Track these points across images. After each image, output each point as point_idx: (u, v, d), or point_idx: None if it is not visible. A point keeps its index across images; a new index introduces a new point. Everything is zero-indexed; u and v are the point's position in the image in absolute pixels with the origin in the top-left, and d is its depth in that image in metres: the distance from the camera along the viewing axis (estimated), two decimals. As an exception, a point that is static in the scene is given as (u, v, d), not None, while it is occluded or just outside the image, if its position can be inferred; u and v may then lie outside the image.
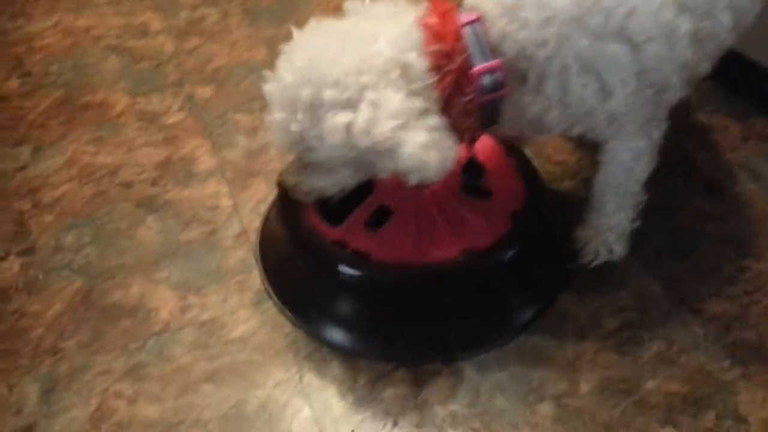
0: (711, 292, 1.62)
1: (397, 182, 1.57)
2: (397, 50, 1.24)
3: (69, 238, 1.79)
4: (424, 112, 1.23)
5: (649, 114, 1.44)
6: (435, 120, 1.24)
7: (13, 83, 2.29)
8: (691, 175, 1.89)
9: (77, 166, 1.99)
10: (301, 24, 1.32)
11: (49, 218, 1.85)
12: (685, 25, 1.30)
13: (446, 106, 1.28)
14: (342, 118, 1.21)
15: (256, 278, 1.68)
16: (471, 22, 1.27)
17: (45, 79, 2.30)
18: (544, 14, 1.25)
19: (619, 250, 1.67)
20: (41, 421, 1.43)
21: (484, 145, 1.68)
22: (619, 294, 1.63)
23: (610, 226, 1.64)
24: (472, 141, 1.45)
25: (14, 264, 1.74)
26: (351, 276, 1.50)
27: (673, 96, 1.43)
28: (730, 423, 1.40)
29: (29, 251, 1.77)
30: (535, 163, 1.75)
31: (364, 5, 1.35)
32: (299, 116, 1.26)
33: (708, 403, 1.43)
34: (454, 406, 1.43)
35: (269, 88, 1.31)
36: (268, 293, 1.63)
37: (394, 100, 1.20)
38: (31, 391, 1.48)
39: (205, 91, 2.22)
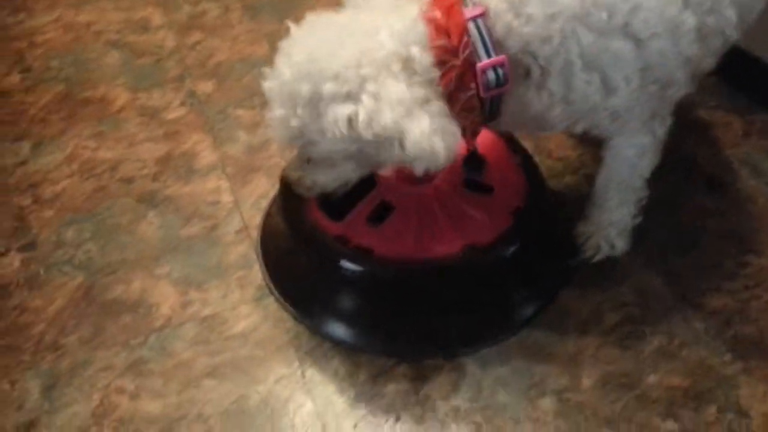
0: (712, 287, 1.62)
1: (400, 177, 1.59)
2: (399, 44, 1.24)
3: (70, 234, 1.79)
4: (426, 101, 1.22)
5: (652, 110, 1.44)
6: (438, 106, 1.23)
7: (14, 78, 2.29)
8: (693, 171, 1.89)
9: (78, 162, 1.99)
10: (302, 18, 1.32)
11: (49, 213, 1.84)
12: (689, 20, 1.29)
13: (449, 101, 1.27)
14: (344, 110, 1.21)
15: (257, 274, 1.67)
16: (476, 17, 1.26)
17: (46, 74, 2.30)
18: (549, 10, 1.25)
19: (621, 245, 1.67)
20: (43, 416, 1.43)
21: (486, 140, 1.67)
22: (621, 289, 1.63)
23: (611, 222, 1.64)
24: (473, 135, 1.44)
25: (15, 259, 1.74)
26: (353, 271, 1.50)
27: (678, 92, 1.43)
28: (731, 417, 1.40)
29: (30, 246, 1.76)
30: (537, 158, 1.75)
31: None
32: (299, 111, 1.25)
33: (709, 397, 1.43)
34: (456, 401, 1.43)
35: (268, 84, 1.31)
36: (270, 289, 1.63)
37: (396, 89, 1.20)
38: (32, 386, 1.48)
39: (206, 87, 2.22)
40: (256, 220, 1.80)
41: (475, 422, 1.40)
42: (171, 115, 2.13)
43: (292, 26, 1.33)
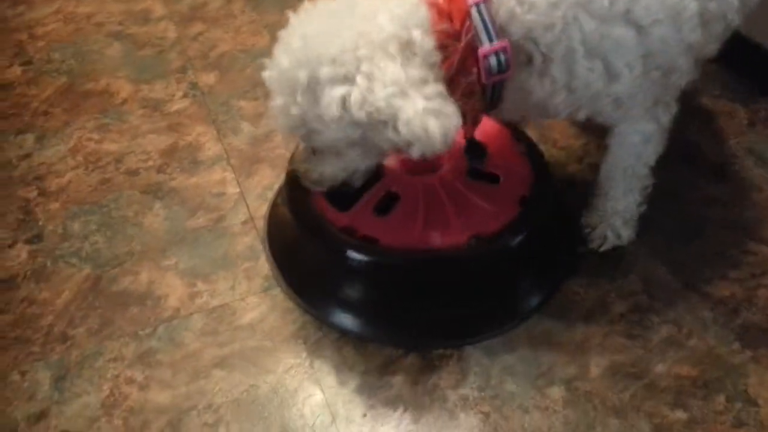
0: (718, 276, 1.63)
1: (405, 167, 1.59)
2: (400, 27, 1.23)
3: (76, 226, 1.79)
4: (423, 82, 1.21)
5: (656, 97, 1.44)
6: (434, 88, 1.22)
7: (16, 71, 2.28)
8: (698, 160, 1.90)
9: (82, 154, 1.99)
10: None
11: (55, 206, 1.84)
12: (691, 6, 1.30)
13: (450, 86, 1.27)
14: (337, 91, 1.21)
15: (264, 264, 1.68)
16: (478, 2, 1.26)
17: (47, 67, 2.30)
18: None
19: (627, 234, 1.67)
20: (53, 407, 1.43)
21: (490, 129, 1.68)
22: (627, 278, 1.63)
23: (617, 211, 1.64)
24: (474, 122, 1.43)
25: (22, 252, 1.73)
26: (359, 261, 1.50)
27: (681, 78, 1.43)
28: (740, 405, 1.40)
29: (36, 239, 1.76)
30: (542, 148, 1.75)
31: None
32: (298, 98, 1.25)
33: (718, 386, 1.43)
34: (464, 390, 1.44)
35: (267, 74, 1.31)
36: (276, 279, 1.63)
37: (390, 70, 1.19)
38: (43, 377, 1.48)
39: (208, 78, 2.22)
40: (262, 210, 1.80)
41: (483, 411, 1.40)
42: (174, 107, 2.13)
43: (292, 15, 1.32)
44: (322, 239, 1.55)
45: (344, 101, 1.21)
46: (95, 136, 2.04)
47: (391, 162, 1.58)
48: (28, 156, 1.99)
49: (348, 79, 1.21)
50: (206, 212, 1.81)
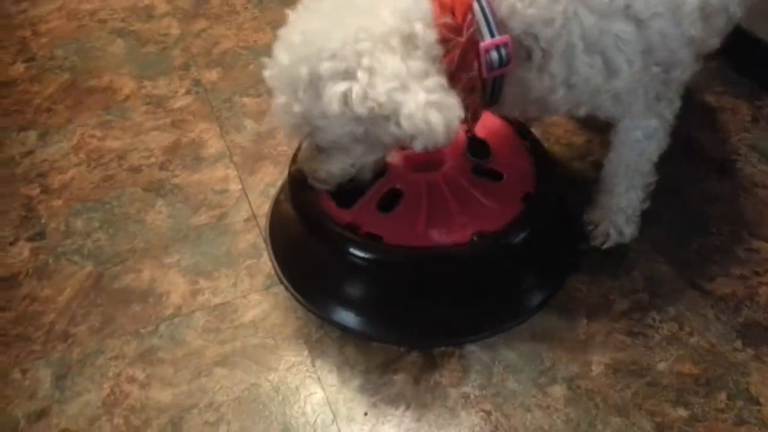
0: (721, 274, 1.62)
1: (409, 163, 1.59)
2: (402, 20, 1.23)
3: (78, 223, 1.79)
4: (425, 74, 1.20)
5: (658, 93, 1.44)
6: (436, 80, 1.21)
7: (19, 67, 2.29)
8: (701, 156, 1.89)
9: (85, 151, 1.99)
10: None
11: (57, 203, 1.84)
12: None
13: (451, 81, 1.26)
14: (338, 88, 1.20)
15: (266, 262, 1.68)
16: None
17: (50, 63, 2.30)
18: None
19: (630, 231, 1.67)
20: (54, 405, 1.43)
21: (494, 125, 1.67)
22: (630, 275, 1.63)
23: (620, 208, 1.64)
24: (474, 118, 1.43)
25: (24, 249, 1.74)
26: (362, 259, 1.50)
27: (683, 73, 1.43)
28: (741, 404, 1.40)
29: (39, 236, 1.77)
30: (545, 145, 1.75)
31: None
32: (300, 95, 1.25)
33: (719, 384, 1.43)
34: (466, 388, 1.44)
35: (268, 73, 1.30)
36: (279, 277, 1.63)
37: (391, 63, 1.18)
38: (43, 375, 1.48)
39: (211, 75, 2.22)
40: (265, 208, 1.80)
41: (485, 410, 1.40)
42: (177, 104, 2.13)
43: (290, 12, 1.32)
44: (324, 236, 1.54)
45: (346, 97, 1.20)
46: (98, 133, 2.04)
47: (394, 158, 1.58)
48: (30, 153, 1.99)
49: (349, 74, 1.20)
50: (209, 209, 1.81)
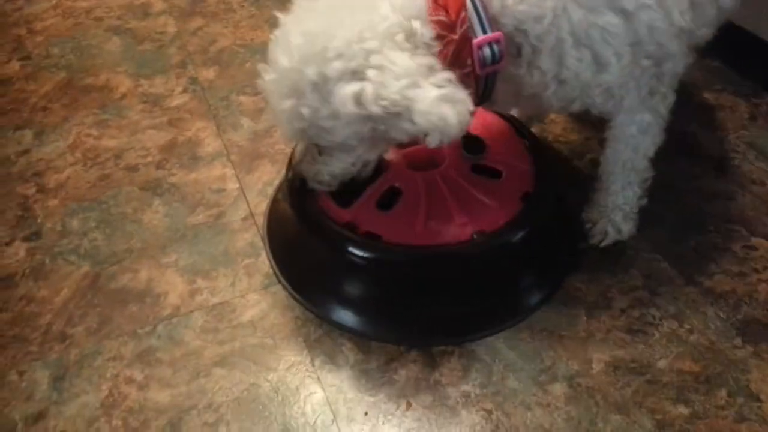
0: (720, 271, 1.62)
1: (408, 161, 1.58)
2: (402, 17, 1.23)
3: (75, 223, 1.78)
4: (431, 69, 1.21)
5: (650, 87, 1.44)
6: (444, 75, 1.22)
7: (14, 66, 2.28)
8: (699, 154, 1.89)
9: (81, 150, 1.98)
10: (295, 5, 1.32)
11: (54, 202, 1.84)
12: None
13: None
14: (350, 88, 1.19)
15: (264, 261, 1.67)
16: None
17: (46, 62, 2.29)
18: None
19: (627, 229, 1.66)
20: (52, 407, 1.42)
21: (493, 124, 1.67)
22: (628, 273, 1.62)
23: (617, 205, 1.63)
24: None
25: (20, 249, 1.73)
26: (362, 258, 1.49)
27: (675, 66, 1.42)
28: (742, 400, 1.39)
29: (35, 236, 1.76)
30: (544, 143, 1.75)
31: None
32: (308, 98, 1.24)
33: (720, 381, 1.43)
34: (466, 387, 1.43)
35: (269, 77, 1.29)
36: (277, 276, 1.63)
37: (400, 60, 1.18)
38: (41, 377, 1.47)
39: (208, 73, 2.21)
40: (262, 207, 1.79)
41: (485, 409, 1.40)
42: (174, 102, 2.12)
43: (281, 15, 1.31)
44: (323, 236, 1.54)
45: (358, 96, 1.19)
46: (94, 131, 2.04)
47: (393, 157, 1.58)
48: (26, 152, 1.99)
49: (357, 73, 1.20)
50: (206, 208, 1.81)
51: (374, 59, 1.19)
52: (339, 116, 1.23)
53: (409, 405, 1.40)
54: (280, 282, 1.61)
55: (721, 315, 1.54)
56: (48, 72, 2.25)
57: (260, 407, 1.41)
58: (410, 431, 1.37)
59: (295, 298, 1.58)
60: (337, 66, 1.20)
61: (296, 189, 1.56)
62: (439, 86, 1.19)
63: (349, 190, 1.50)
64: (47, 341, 1.53)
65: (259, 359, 1.49)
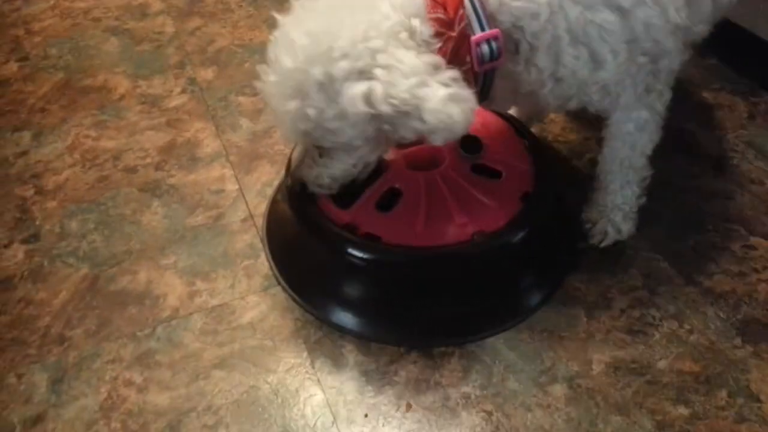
0: (719, 271, 1.62)
1: (407, 162, 1.58)
2: (402, 15, 1.23)
3: (73, 225, 1.78)
4: (436, 68, 1.21)
5: (646, 84, 1.44)
6: (450, 73, 1.22)
7: (12, 67, 2.27)
8: (698, 153, 1.89)
9: (79, 151, 1.98)
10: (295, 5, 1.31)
11: (52, 204, 1.83)
12: None
13: None
14: (359, 88, 1.19)
15: (264, 263, 1.66)
16: None
17: (44, 62, 2.29)
18: None
19: (627, 229, 1.66)
20: (50, 410, 1.42)
21: (492, 124, 1.67)
22: (628, 273, 1.62)
23: (616, 205, 1.63)
24: None
25: (18, 251, 1.72)
26: (360, 259, 1.49)
27: (671, 63, 1.42)
28: (742, 401, 1.39)
29: (33, 238, 1.75)
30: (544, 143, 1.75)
31: None
32: (314, 99, 1.23)
33: (720, 382, 1.42)
34: (466, 388, 1.43)
35: (270, 79, 1.28)
36: (276, 278, 1.62)
37: (407, 59, 1.19)
38: (39, 380, 1.47)
39: (206, 74, 2.21)
40: (262, 208, 1.79)
41: (486, 410, 1.39)
42: (172, 103, 2.12)
43: (279, 16, 1.30)
44: (323, 237, 1.53)
45: (368, 96, 1.19)
46: (93, 133, 2.03)
47: (392, 157, 1.57)
48: (24, 153, 1.98)
49: (364, 73, 1.20)
50: (205, 210, 1.80)
51: (381, 58, 1.19)
52: (346, 116, 1.23)
53: (409, 406, 1.40)
54: (279, 284, 1.61)
55: (721, 315, 1.53)
56: (46, 73, 2.24)
57: (260, 409, 1.41)
58: (410, 433, 1.37)
59: (294, 300, 1.58)
60: (343, 66, 1.20)
61: (296, 194, 1.55)
62: (446, 85, 1.20)
63: (348, 191, 1.49)
64: (46, 344, 1.53)
65: (259, 361, 1.48)
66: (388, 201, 1.53)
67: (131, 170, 1.91)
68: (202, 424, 1.38)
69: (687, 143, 1.90)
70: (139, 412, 1.41)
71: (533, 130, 1.78)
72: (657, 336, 1.50)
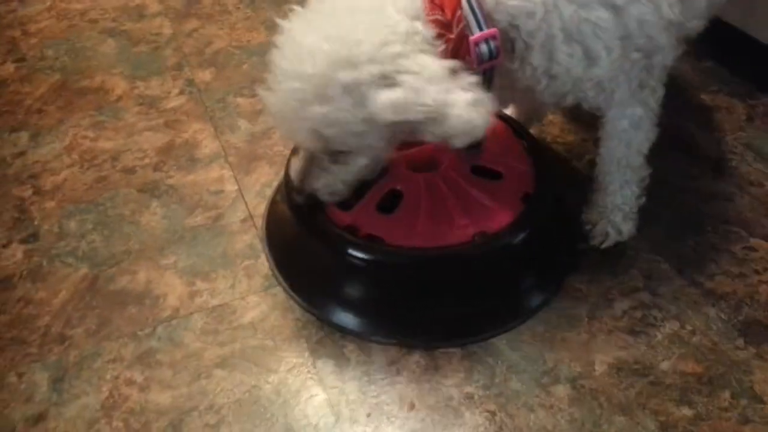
0: (720, 272, 1.62)
1: (408, 164, 1.57)
2: (407, 18, 1.23)
3: (72, 225, 1.77)
4: (455, 72, 1.22)
5: (640, 80, 1.44)
6: (468, 78, 1.23)
7: (9, 68, 2.27)
8: (697, 155, 1.89)
9: (77, 152, 1.97)
10: (300, 4, 1.31)
11: (50, 204, 1.82)
12: None
13: None
14: (386, 95, 1.19)
15: (264, 263, 1.66)
16: None
17: (41, 63, 2.28)
18: None
19: (627, 229, 1.66)
20: (52, 409, 1.41)
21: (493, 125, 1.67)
22: (629, 274, 1.62)
23: (616, 205, 1.64)
24: None
25: (17, 251, 1.71)
26: (363, 260, 1.48)
27: (664, 59, 1.43)
28: (745, 402, 1.39)
29: (32, 238, 1.74)
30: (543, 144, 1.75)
31: None
32: (340, 104, 1.23)
33: (723, 383, 1.42)
34: (469, 389, 1.42)
35: (288, 86, 1.26)
36: (276, 278, 1.62)
37: (430, 64, 1.20)
38: (40, 379, 1.46)
39: (204, 75, 2.20)
40: (261, 208, 1.78)
41: (488, 410, 1.39)
42: (170, 104, 2.11)
43: (281, 21, 1.30)
44: (321, 237, 1.53)
45: (396, 103, 1.19)
46: (90, 133, 2.02)
47: (393, 158, 1.57)
48: (22, 154, 1.97)
49: (388, 78, 1.20)
50: (204, 210, 1.80)
51: (404, 63, 1.19)
52: (374, 120, 1.23)
53: (411, 406, 1.40)
54: (279, 284, 1.60)
55: (723, 316, 1.53)
56: (43, 74, 2.24)
57: (262, 409, 1.40)
58: (413, 432, 1.37)
59: (295, 300, 1.57)
60: (370, 70, 1.20)
61: (306, 207, 1.53)
62: (466, 90, 1.21)
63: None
64: (46, 343, 1.52)
65: (260, 361, 1.48)
66: (389, 202, 1.53)
67: (130, 171, 1.91)
68: (204, 423, 1.38)
69: (686, 145, 1.90)
70: (141, 411, 1.40)
71: (532, 131, 1.78)
72: (659, 337, 1.50)
